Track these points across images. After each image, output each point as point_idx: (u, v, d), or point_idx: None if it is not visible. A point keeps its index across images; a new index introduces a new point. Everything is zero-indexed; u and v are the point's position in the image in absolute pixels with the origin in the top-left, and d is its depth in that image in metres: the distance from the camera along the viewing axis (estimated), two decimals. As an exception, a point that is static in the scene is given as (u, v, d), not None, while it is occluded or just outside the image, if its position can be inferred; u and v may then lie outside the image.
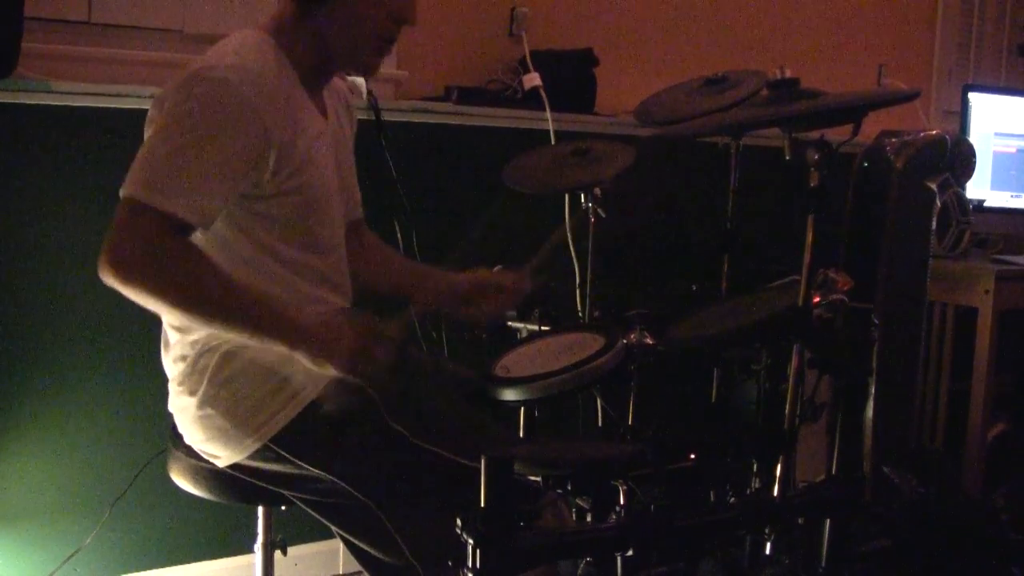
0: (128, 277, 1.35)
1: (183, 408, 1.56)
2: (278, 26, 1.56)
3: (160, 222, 1.36)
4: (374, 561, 1.57)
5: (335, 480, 1.52)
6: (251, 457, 1.53)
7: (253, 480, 1.58)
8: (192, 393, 1.53)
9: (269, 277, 1.54)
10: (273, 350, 1.45)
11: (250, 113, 1.43)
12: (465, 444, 1.52)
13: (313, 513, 1.60)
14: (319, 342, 1.42)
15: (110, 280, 1.35)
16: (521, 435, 1.85)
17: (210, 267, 1.41)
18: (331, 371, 1.44)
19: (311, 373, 1.49)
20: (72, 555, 2.19)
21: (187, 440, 1.59)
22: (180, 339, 1.56)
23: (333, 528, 1.61)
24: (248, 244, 1.52)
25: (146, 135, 1.47)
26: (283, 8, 1.56)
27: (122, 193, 1.38)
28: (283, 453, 1.51)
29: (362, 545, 1.57)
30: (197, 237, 1.45)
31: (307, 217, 1.57)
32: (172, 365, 1.59)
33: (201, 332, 1.53)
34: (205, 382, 1.52)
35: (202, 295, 1.39)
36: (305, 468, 1.52)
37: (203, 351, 1.52)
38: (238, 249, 1.52)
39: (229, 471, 1.57)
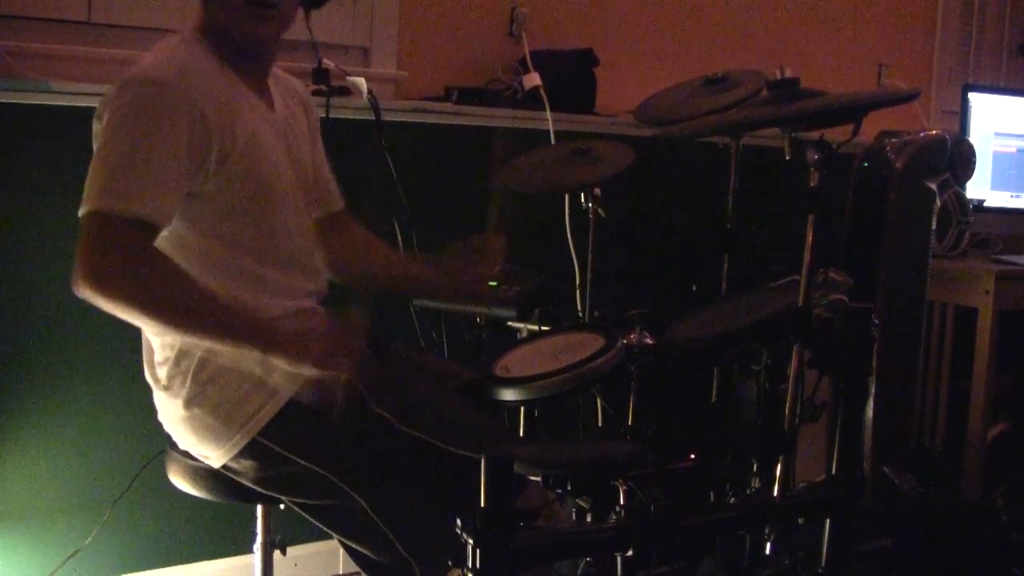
0: (106, 290, 1.35)
1: (171, 412, 1.56)
2: (201, 24, 1.58)
3: (128, 228, 1.38)
4: (370, 562, 1.57)
5: (324, 473, 1.52)
6: (241, 455, 1.53)
7: (247, 483, 1.58)
8: (178, 395, 1.53)
9: (236, 270, 1.55)
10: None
11: (189, 106, 1.44)
12: (452, 431, 1.53)
13: (308, 517, 1.60)
14: (292, 343, 1.42)
15: (88, 295, 1.36)
16: (509, 425, 1.84)
17: (183, 275, 1.43)
18: (308, 371, 1.44)
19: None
20: (72, 555, 2.19)
21: (181, 445, 1.59)
22: (161, 343, 1.55)
23: (330, 531, 1.61)
24: (209, 240, 1.52)
25: (94, 147, 1.46)
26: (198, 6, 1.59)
27: (83, 210, 1.39)
28: (272, 446, 1.51)
29: (356, 546, 1.57)
30: (161, 238, 1.46)
31: (261, 203, 1.57)
32: (156, 371, 1.58)
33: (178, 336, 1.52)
34: (189, 382, 1.52)
35: (178, 303, 1.40)
36: (295, 462, 1.52)
37: (184, 352, 1.52)
38: (201, 247, 1.52)
39: (223, 471, 1.57)
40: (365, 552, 1.57)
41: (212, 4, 1.56)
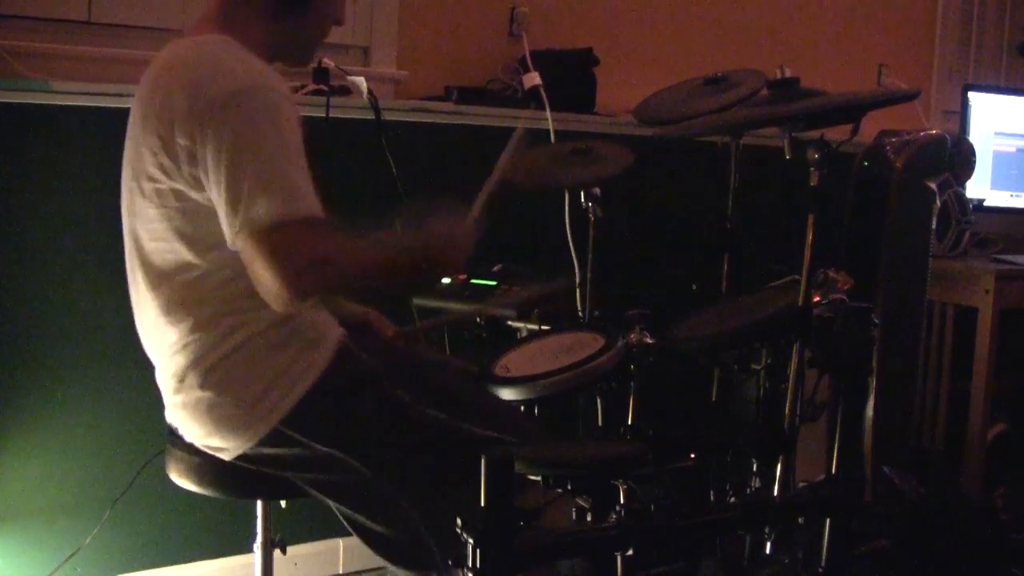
0: (311, 293, 1.46)
1: (188, 402, 1.54)
2: (229, 21, 1.55)
3: (307, 228, 1.41)
4: (385, 541, 1.58)
5: (344, 457, 1.52)
6: (260, 444, 1.53)
7: (262, 469, 1.57)
8: (196, 386, 1.52)
9: None
10: (274, 334, 1.51)
11: (294, 106, 1.48)
12: (467, 410, 1.55)
13: (322, 497, 1.60)
14: (448, 252, 1.56)
15: (297, 306, 1.45)
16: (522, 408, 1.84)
17: (356, 243, 1.49)
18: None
19: (312, 353, 1.52)
20: (72, 555, 2.19)
21: (188, 437, 1.58)
22: (179, 332, 1.54)
23: (341, 510, 1.61)
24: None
25: (213, 157, 1.41)
26: (237, 5, 1.56)
27: (258, 225, 1.38)
28: (292, 434, 1.51)
29: (373, 525, 1.58)
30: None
31: None
32: (172, 359, 1.55)
33: (204, 325, 1.52)
34: (209, 373, 1.51)
35: (368, 274, 1.51)
36: (315, 448, 1.53)
37: (207, 344, 1.51)
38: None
39: (235, 463, 1.56)
40: (381, 530, 1.57)
41: (299, 36, 1.61)
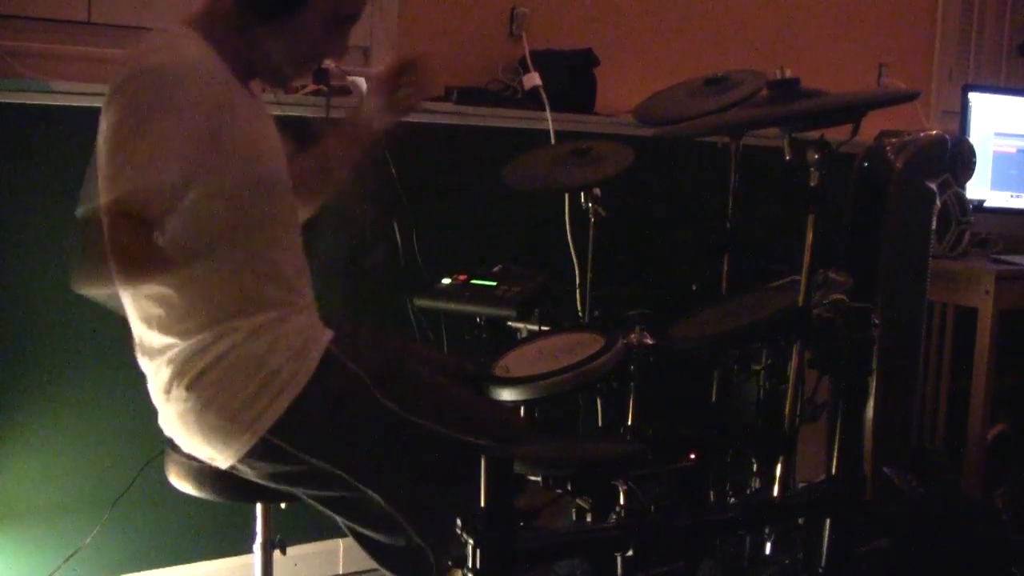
0: (131, 277, 1.41)
1: (177, 413, 1.54)
2: (207, 23, 1.55)
3: (123, 216, 1.37)
4: (382, 548, 1.57)
5: (333, 468, 1.52)
6: (250, 455, 1.52)
7: (255, 480, 1.57)
8: (182, 398, 1.52)
9: (250, 267, 1.54)
10: (257, 344, 1.50)
11: (195, 89, 1.43)
12: (457, 416, 1.54)
13: (318, 507, 1.60)
14: None
15: (127, 286, 1.45)
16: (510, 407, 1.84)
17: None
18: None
19: (297, 362, 1.51)
20: (72, 555, 2.19)
21: (186, 448, 1.58)
22: (164, 344, 1.53)
23: (338, 519, 1.61)
24: (222, 240, 1.51)
25: (102, 138, 1.43)
26: (216, 9, 1.56)
27: (101, 208, 1.39)
28: (280, 444, 1.51)
29: (368, 533, 1.58)
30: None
31: (269, 195, 1.57)
32: (159, 371, 1.55)
33: (186, 335, 1.52)
34: (194, 385, 1.51)
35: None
36: (304, 459, 1.52)
37: (190, 355, 1.51)
38: (215, 250, 1.50)
39: (230, 471, 1.57)
40: (377, 538, 1.57)
41: (268, 50, 1.57)
